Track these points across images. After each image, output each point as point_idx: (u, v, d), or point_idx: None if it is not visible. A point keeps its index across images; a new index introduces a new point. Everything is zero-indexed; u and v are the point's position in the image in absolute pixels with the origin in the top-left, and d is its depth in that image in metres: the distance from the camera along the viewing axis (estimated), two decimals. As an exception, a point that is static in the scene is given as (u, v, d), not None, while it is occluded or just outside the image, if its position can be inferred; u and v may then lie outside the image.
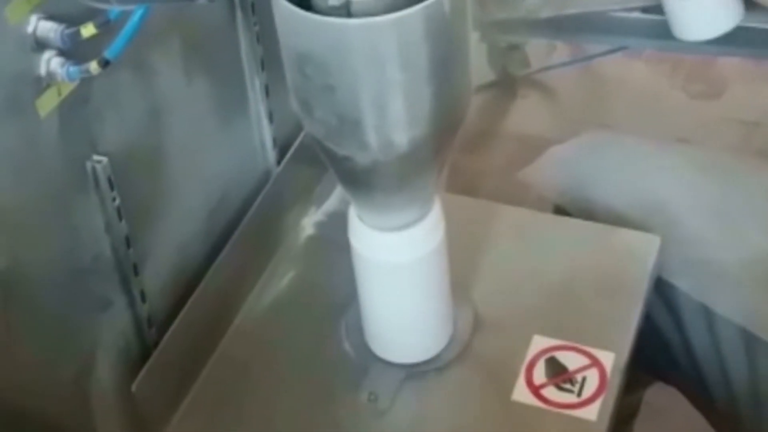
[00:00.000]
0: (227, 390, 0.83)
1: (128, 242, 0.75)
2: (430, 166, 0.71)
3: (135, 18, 0.63)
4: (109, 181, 0.71)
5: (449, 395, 0.81)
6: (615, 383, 0.79)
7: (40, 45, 0.63)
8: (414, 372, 0.82)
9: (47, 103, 0.65)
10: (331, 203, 0.98)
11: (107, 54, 0.64)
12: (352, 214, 0.76)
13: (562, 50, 1.51)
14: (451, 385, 0.81)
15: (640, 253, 0.87)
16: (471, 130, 1.36)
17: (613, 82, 1.50)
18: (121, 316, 0.77)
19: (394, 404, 0.80)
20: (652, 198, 0.93)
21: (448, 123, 0.68)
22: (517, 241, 0.91)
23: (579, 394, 0.78)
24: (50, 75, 0.64)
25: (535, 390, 0.79)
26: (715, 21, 0.88)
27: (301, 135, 0.94)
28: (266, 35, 0.86)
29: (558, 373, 0.80)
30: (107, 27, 0.63)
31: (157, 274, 0.80)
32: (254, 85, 0.90)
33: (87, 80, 0.66)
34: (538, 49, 1.47)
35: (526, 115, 1.41)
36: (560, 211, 0.98)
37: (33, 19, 0.62)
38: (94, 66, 0.64)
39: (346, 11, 0.61)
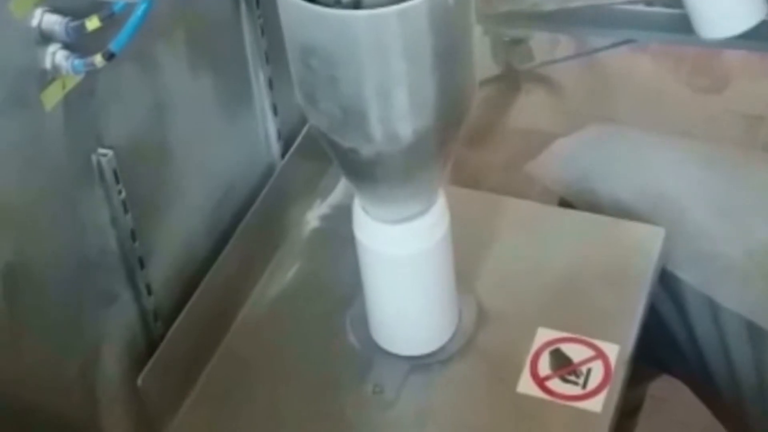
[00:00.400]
0: (233, 382, 0.83)
1: (134, 235, 0.75)
2: (434, 158, 0.71)
3: (139, 11, 0.63)
4: (115, 174, 0.71)
5: (454, 387, 0.81)
6: (620, 375, 0.79)
7: (45, 38, 0.63)
8: (419, 364, 0.82)
9: (52, 97, 0.65)
10: (335, 196, 0.98)
11: (112, 47, 0.64)
12: (357, 206, 0.76)
13: (566, 44, 1.51)
14: (456, 377, 0.81)
15: (645, 245, 0.87)
16: (475, 123, 1.36)
17: (617, 75, 1.50)
18: (127, 309, 0.77)
19: (399, 396, 0.80)
20: (658, 191, 0.93)
21: (452, 115, 0.68)
22: (522, 234, 0.91)
23: (584, 386, 0.78)
24: (55, 68, 0.64)
25: (540, 382, 0.79)
26: (738, 17, 0.87)
27: (306, 128, 0.94)
28: (270, 28, 0.86)
29: (563, 365, 0.80)
30: (112, 20, 0.63)
31: (163, 267, 0.81)
32: (258, 77, 0.90)
33: (92, 73, 0.66)
34: (542, 43, 1.47)
35: (531, 108, 1.42)
36: (565, 204, 0.98)
37: (38, 12, 0.62)
38: (98, 59, 0.64)
39: (351, 3, 0.61)
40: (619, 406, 0.79)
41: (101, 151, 0.70)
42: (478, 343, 0.83)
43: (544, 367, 0.80)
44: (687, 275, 0.89)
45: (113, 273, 0.75)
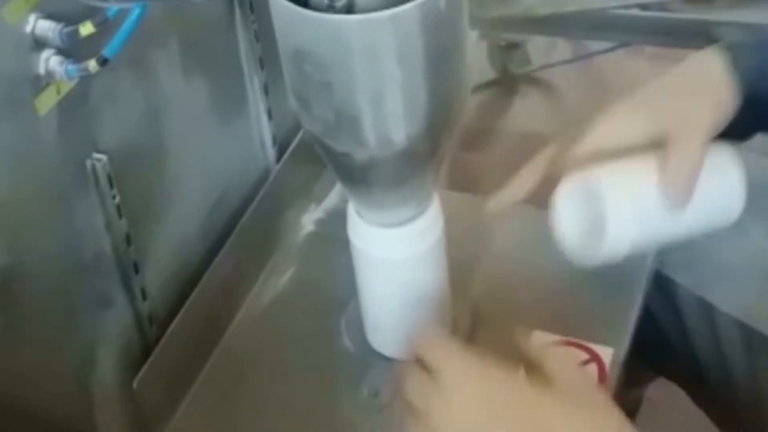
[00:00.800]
0: (228, 386, 0.83)
1: (128, 240, 0.75)
2: (427, 162, 0.71)
3: (133, 16, 0.63)
4: (109, 179, 0.72)
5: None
6: (614, 378, 0.79)
7: (39, 44, 0.64)
8: (414, 368, 0.82)
9: (46, 102, 0.65)
10: (330, 200, 0.98)
11: (105, 52, 0.64)
12: (351, 210, 0.76)
13: (563, 48, 1.51)
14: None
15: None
16: (472, 127, 1.36)
17: (614, 79, 1.50)
18: (122, 313, 0.78)
19: (394, 399, 0.80)
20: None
21: (445, 119, 0.68)
22: (516, 237, 0.91)
23: (578, 389, 0.78)
24: (49, 74, 0.65)
25: (535, 385, 0.79)
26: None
27: (301, 132, 0.95)
28: (265, 33, 0.86)
29: (558, 368, 0.80)
30: (105, 25, 0.64)
31: (158, 271, 0.81)
32: (253, 82, 0.90)
33: (86, 79, 0.67)
34: (538, 47, 1.47)
35: (527, 112, 1.41)
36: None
37: (31, 18, 0.63)
38: (92, 64, 0.64)
39: (345, 8, 0.61)
40: (613, 409, 0.78)
41: (95, 156, 0.71)
42: (474, 346, 0.83)
43: (539, 370, 0.80)
44: (681, 278, 0.89)
45: (108, 277, 0.75)
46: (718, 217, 0.79)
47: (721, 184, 0.78)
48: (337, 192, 0.98)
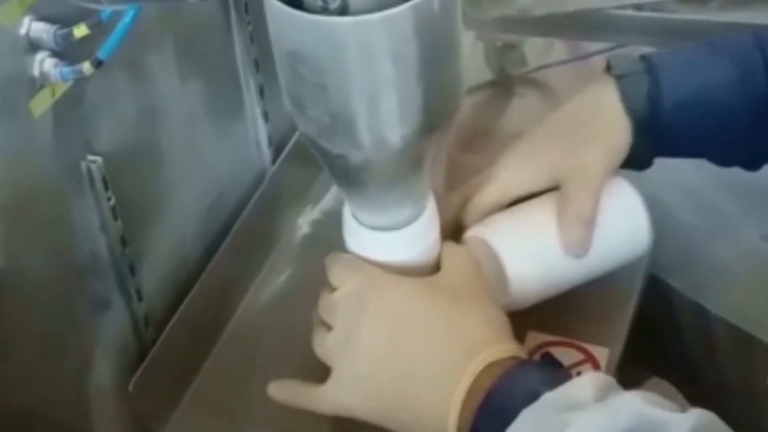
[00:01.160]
0: (225, 388, 0.83)
1: (124, 242, 0.75)
2: (422, 163, 0.71)
3: (127, 18, 0.63)
4: (104, 180, 0.72)
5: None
6: (609, 378, 0.79)
7: (33, 46, 0.64)
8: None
9: (41, 104, 0.66)
10: (327, 202, 0.98)
11: (100, 54, 0.64)
12: (347, 214, 0.76)
13: (559, 49, 1.51)
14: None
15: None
16: (469, 128, 1.36)
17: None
18: (118, 315, 0.78)
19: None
20: (644, 192, 0.93)
21: (439, 120, 0.68)
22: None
23: (574, 390, 0.78)
24: (44, 76, 0.65)
25: (531, 386, 0.79)
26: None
27: (297, 134, 0.95)
28: (260, 35, 0.86)
29: (553, 368, 0.80)
30: (100, 27, 0.64)
31: (154, 273, 0.81)
32: (249, 84, 0.90)
33: (81, 81, 0.67)
34: (535, 48, 1.47)
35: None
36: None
37: (26, 20, 0.63)
38: (87, 66, 0.64)
39: (339, 10, 0.61)
40: (608, 409, 0.79)
41: (90, 158, 0.71)
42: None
43: (535, 370, 0.80)
44: (675, 281, 0.89)
45: (104, 279, 0.75)
46: (625, 254, 0.81)
47: (623, 221, 0.80)
48: (333, 194, 0.98)
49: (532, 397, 0.60)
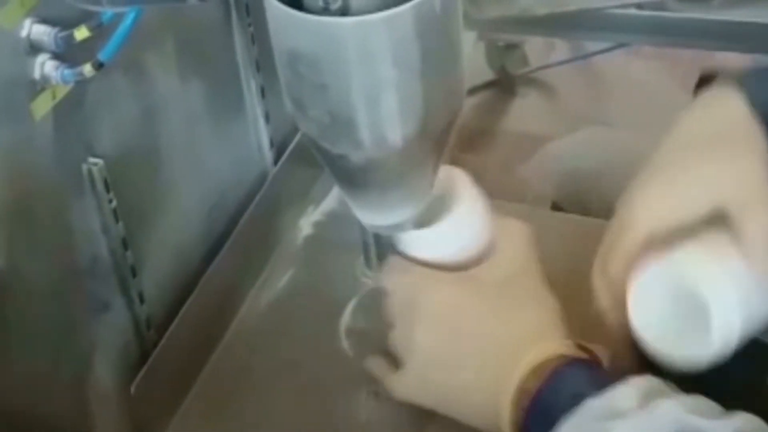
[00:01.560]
0: (226, 390, 0.83)
1: (125, 244, 0.75)
2: (424, 163, 0.71)
3: (128, 20, 0.63)
4: (105, 183, 0.72)
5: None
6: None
7: (34, 48, 0.64)
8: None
9: (42, 107, 0.65)
10: (328, 203, 0.98)
11: (101, 56, 0.64)
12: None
13: (561, 48, 1.51)
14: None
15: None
16: (471, 128, 1.36)
17: (612, 79, 1.51)
18: (120, 317, 0.78)
19: (393, 401, 0.80)
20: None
21: (441, 120, 0.68)
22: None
23: (577, 390, 0.78)
24: (44, 78, 0.64)
25: (534, 386, 0.79)
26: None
27: (298, 135, 0.95)
28: (262, 36, 0.86)
29: (556, 369, 0.79)
30: (101, 30, 0.64)
31: (155, 275, 0.81)
32: (250, 86, 0.90)
33: (82, 83, 0.66)
34: (536, 48, 1.48)
35: (526, 112, 1.42)
36: (558, 207, 0.98)
37: (27, 23, 0.63)
38: (88, 69, 0.64)
39: (340, 10, 0.61)
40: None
41: (92, 160, 0.71)
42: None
43: (538, 371, 0.80)
44: None
45: (105, 281, 0.75)
46: None
47: None
48: (334, 195, 0.98)
49: (576, 401, 0.62)
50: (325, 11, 0.61)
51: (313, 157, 0.72)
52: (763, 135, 0.68)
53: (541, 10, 1.14)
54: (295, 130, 0.92)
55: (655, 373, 1.00)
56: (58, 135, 0.67)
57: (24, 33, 0.63)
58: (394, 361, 0.75)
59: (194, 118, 0.84)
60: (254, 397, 0.82)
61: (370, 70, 0.63)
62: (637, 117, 1.33)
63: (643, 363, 0.87)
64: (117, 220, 0.74)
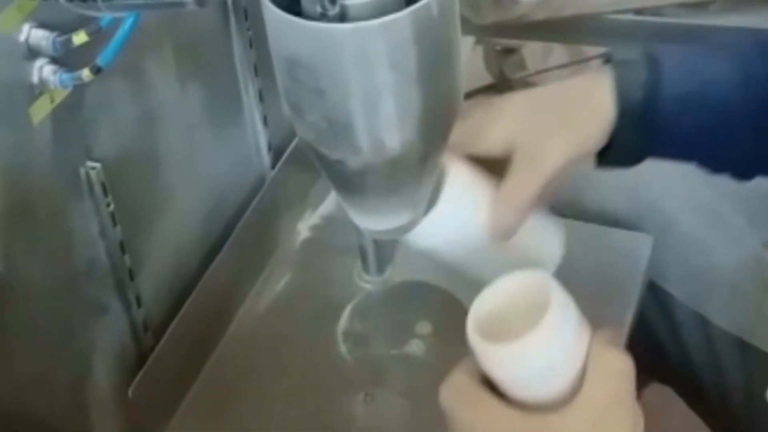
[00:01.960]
0: (224, 393, 0.83)
1: (123, 247, 0.75)
2: (422, 168, 0.71)
3: (126, 25, 0.63)
4: (103, 187, 0.72)
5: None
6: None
7: (33, 53, 0.64)
8: (412, 372, 0.82)
9: (40, 111, 0.66)
10: (326, 206, 0.99)
11: (99, 61, 0.64)
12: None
13: (558, 53, 1.51)
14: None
15: (633, 253, 0.88)
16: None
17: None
18: (117, 320, 0.78)
19: (390, 404, 0.81)
20: (646, 201, 0.93)
21: (438, 126, 0.69)
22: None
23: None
24: (43, 82, 0.65)
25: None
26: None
27: (296, 139, 0.95)
28: (260, 40, 0.86)
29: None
30: (99, 34, 0.64)
31: (153, 278, 0.81)
32: (248, 89, 0.90)
33: (80, 87, 0.67)
34: (534, 52, 1.48)
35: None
36: (554, 212, 0.98)
37: (25, 27, 0.63)
38: (86, 73, 0.64)
39: (337, 17, 0.61)
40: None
41: (90, 164, 0.71)
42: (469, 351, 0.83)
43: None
44: (676, 290, 0.89)
45: (103, 285, 0.75)
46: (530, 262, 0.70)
47: (541, 236, 0.74)
48: (332, 198, 0.98)
49: None
50: (323, 17, 0.61)
51: (311, 160, 0.72)
52: (604, 119, 0.72)
53: (539, 15, 1.14)
54: (293, 133, 0.92)
55: (655, 376, 1.01)
56: (56, 139, 0.67)
57: (22, 37, 0.63)
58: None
59: (192, 122, 0.84)
60: (251, 400, 0.82)
61: (368, 76, 0.63)
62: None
63: (640, 365, 0.87)
64: (115, 224, 0.74)
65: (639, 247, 0.88)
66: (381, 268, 0.90)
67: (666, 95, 0.73)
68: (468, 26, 1.17)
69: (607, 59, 0.76)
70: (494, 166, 0.74)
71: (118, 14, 0.62)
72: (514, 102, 0.75)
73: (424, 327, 0.86)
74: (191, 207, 0.86)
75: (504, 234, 0.71)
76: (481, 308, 0.62)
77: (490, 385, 0.60)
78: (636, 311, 0.84)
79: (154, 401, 0.79)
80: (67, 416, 0.73)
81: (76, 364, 0.74)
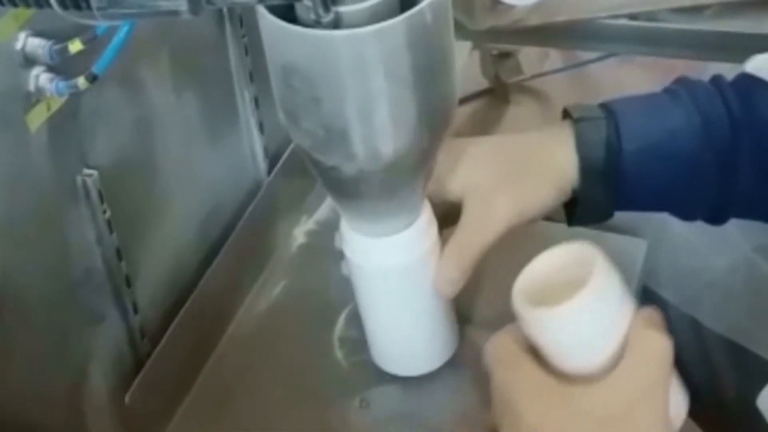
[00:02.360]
0: (220, 399, 0.83)
1: (119, 254, 0.75)
2: (416, 174, 0.72)
3: (121, 33, 0.64)
4: (100, 194, 0.72)
5: (443, 402, 0.81)
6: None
7: (29, 61, 0.64)
8: (408, 378, 0.82)
9: (37, 118, 0.66)
10: (322, 212, 0.99)
11: (95, 69, 0.64)
12: (344, 224, 0.76)
13: (554, 57, 1.51)
14: (445, 391, 0.82)
15: (627, 257, 0.87)
16: (465, 135, 1.36)
17: (606, 87, 1.50)
18: (114, 327, 0.78)
19: (386, 410, 0.81)
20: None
21: (433, 131, 0.69)
22: (506, 247, 0.91)
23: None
24: (39, 90, 0.65)
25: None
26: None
27: (292, 145, 0.95)
28: (255, 47, 0.86)
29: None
30: (94, 42, 0.64)
31: (150, 285, 0.81)
32: (244, 96, 0.91)
33: (76, 95, 0.67)
34: (530, 57, 1.48)
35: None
36: (548, 217, 0.98)
37: (21, 36, 0.63)
38: (82, 81, 0.64)
39: (332, 24, 0.62)
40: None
41: (86, 171, 0.71)
42: (467, 357, 0.83)
43: (532, 380, 0.80)
44: (669, 294, 0.89)
45: (99, 292, 0.76)
46: None
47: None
48: (328, 204, 0.98)
49: None
50: (318, 24, 0.62)
51: (306, 167, 0.72)
52: (561, 179, 0.73)
53: (535, 20, 1.15)
54: (289, 140, 0.92)
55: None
56: (52, 147, 0.68)
57: (19, 46, 0.63)
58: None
59: (188, 129, 0.84)
60: (248, 405, 0.82)
61: (363, 83, 0.63)
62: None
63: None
64: (111, 231, 0.74)
65: (633, 251, 0.88)
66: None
67: (627, 151, 0.72)
68: (463, 31, 1.18)
69: (567, 114, 0.76)
70: (457, 209, 0.75)
71: (113, 22, 0.63)
72: (476, 149, 0.76)
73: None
74: (187, 213, 0.86)
75: (449, 291, 0.73)
76: (527, 278, 0.66)
77: (534, 353, 0.62)
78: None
79: (151, 407, 0.80)
80: (64, 423, 0.73)
81: (73, 371, 0.74)
